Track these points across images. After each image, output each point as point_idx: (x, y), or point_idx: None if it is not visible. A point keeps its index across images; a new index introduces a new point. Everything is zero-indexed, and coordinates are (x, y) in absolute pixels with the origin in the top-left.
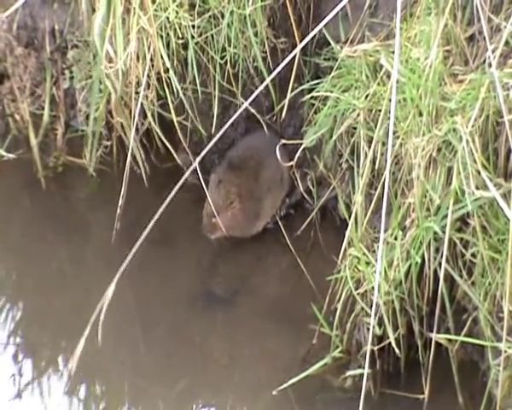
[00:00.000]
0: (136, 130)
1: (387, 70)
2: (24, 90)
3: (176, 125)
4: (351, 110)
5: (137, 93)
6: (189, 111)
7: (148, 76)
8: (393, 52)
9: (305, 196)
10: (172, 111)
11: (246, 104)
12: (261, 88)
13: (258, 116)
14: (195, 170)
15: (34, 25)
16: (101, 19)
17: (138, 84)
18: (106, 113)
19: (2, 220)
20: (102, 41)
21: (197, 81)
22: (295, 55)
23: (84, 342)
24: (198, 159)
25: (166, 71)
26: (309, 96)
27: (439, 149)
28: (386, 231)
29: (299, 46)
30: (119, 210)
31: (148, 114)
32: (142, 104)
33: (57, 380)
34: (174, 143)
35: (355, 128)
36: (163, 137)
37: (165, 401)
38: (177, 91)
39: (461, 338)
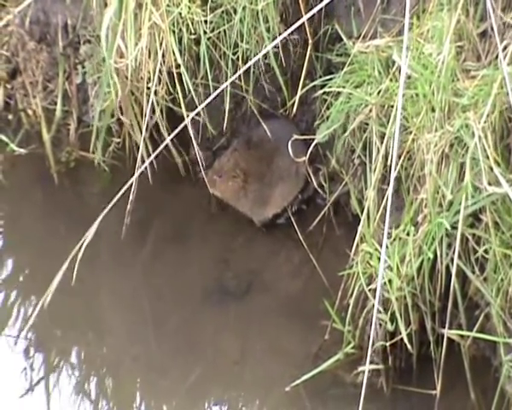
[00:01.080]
0: (147, 125)
1: (400, 66)
2: (36, 85)
3: (182, 119)
4: (363, 106)
5: (148, 88)
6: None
7: (160, 71)
8: (406, 48)
9: (319, 189)
10: (183, 107)
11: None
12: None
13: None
14: (208, 166)
15: (47, 20)
16: (112, 14)
17: (149, 79)
18: (116, 108)
19: (14, 215)
20: (114, 36)
21: (209, 77)
22: (307, 51)
23: (60, 278)
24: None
25: (178, 66)
26: (321, 91)
27: (451, 145)
28: (398, 226)
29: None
30: (129, 206)
31: (158, 110)
32: (152, 100)
33: (68, 374)
34: (186, 138)
35: (367, 124)
36: (172, 133)
37: (176, 396)
38: (189, 87)
39: (473, 334)
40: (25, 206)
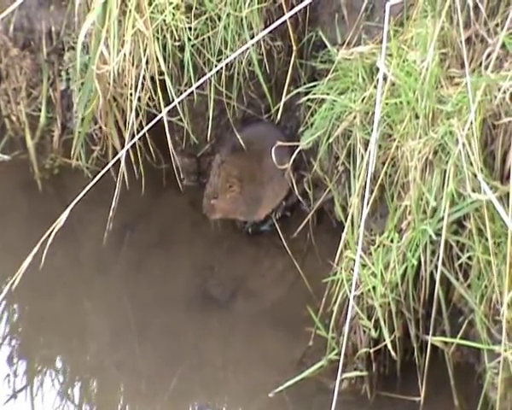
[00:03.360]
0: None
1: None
2: (19, 92)
3: (164, 126)
4: (347, 113)
5: (132, 95)
6: (182, 113)
7: (144, 78)
8: (390, 55)
9: (300, 198)
10: (164, 115)
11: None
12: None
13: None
14: (192, 172)
15: (31, 26)
16: (95, 19)
17: (133, 85)
18: (98, 115)
19: None
20: (97, 42)
21: (193, 83)
22: (292, 58)
23: (30, 261)
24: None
25: (162, 73)
26: (305, 98)
27: (435, 152)
28: (382, 233)
29: None
30: (111, 213)
31: (140, 116)
32: (135, 106)
33: (52, 381)
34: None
35: (351, 131)
36: (153, 142)
37: (160, 403)
38: (172, 94)
39: (457, 341)
40: (8, 212)
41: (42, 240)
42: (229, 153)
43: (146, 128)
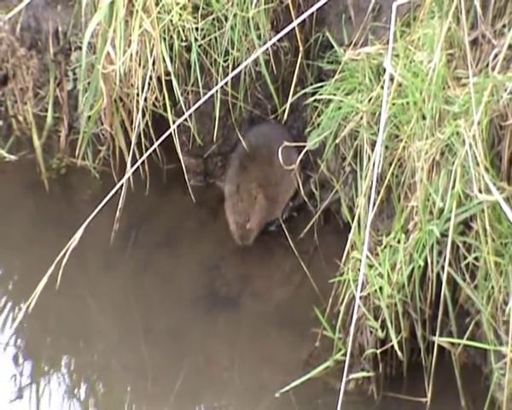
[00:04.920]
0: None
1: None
2: (26, 92)
3: (170, 126)
4: (354, 113)
5: (138, 95)
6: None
7: (150, 78)
8: (397, 55)
9: (307, 199)
10: (172, 113)
11: None
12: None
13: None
14: (199, 173)
15: (38, 26)
16: (101, 19)
17: (139, 86)
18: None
19: (4, 221)
20: (104, 42)
21: (200, 84)
22: (298, 59)
23: (50, 285)
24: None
25: (168, 74)
26: (312, 98)
27: (442, 153)
28: (389, 234)
29: None
30: (118, 213)
31: (147, 116)
32: (142, 106)
33: (58, 382)
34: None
35: (358, 131)
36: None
37: (166, 403)
38: (178, 95)
39: (463, 342)
40: (15, 212)
41: (56, 260)
42: (238, 172)
43: (156, 144)
